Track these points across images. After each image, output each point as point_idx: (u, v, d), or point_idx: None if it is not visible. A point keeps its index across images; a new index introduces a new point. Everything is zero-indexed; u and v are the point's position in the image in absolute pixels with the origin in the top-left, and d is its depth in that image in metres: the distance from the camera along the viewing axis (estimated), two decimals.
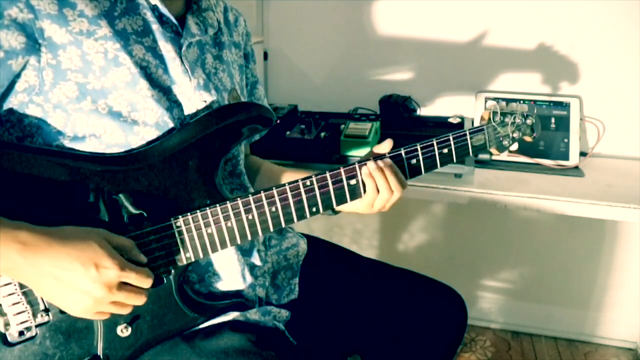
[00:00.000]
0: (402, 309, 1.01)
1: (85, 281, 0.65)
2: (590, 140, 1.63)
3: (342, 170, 0.84)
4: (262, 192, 0.79)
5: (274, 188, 0.80)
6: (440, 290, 1.06)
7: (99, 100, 0.73)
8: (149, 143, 0.76)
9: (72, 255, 0.65)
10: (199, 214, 0.77)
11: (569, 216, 1.36)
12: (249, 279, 0.89)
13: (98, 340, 0.75)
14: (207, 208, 0.77)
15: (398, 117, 1.63)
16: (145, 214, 0.75)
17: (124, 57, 0.74)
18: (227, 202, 0.78)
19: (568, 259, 1.88)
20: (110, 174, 0.73)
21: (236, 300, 0.87)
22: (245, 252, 0.90)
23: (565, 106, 1.58)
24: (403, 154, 0.87)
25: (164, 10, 0.79)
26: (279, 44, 1.85)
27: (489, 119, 0.94)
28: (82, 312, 0.69)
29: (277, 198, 0.80)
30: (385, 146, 0.88)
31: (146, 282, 0.71)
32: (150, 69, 0.77)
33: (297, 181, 0.81)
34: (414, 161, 0.88)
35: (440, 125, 1.60)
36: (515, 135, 0.96)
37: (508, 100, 1.61)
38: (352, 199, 0.85)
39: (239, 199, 0.78)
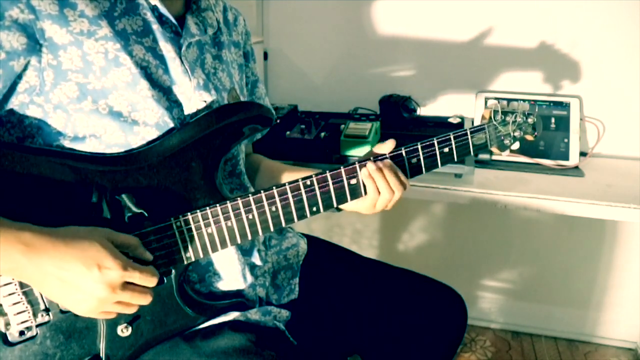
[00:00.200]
0: (402, 309, 1.01)
1: (88, 281, 0.65)
2: (590, 140, 1.63)
3: (342, 169, 0.84)
4: (262, 191, 0.79)
5: (274, 188, 0.80)
6: (440, 290, 1.06)
7: (100, 100, 0.73)
8: (149, 143, 0.76)
9: (75, 256, 0.65)
10: (199, 213, 0.77)
11: (569, 216, 1.36)
12: (249, 278, 0.89)
13: (98, 340, 0.75)
14: (207, 208, 0.77)
15: (398, 117, 1.63)
16: (145, 214, 0.75)
17: (125, 57, 0.74)
18: (227, 201, 0.78)
19: (568, 259, 1.88)
20: (111, 174, 0.73)
21: (236, 300, 0.87)
22: (245, 251, 0.90)
23: (565, 106, 1.58)
24: (404, 154, 0.87)
25: (163, 10, 0.79)
26: (279, 44, 1.85)
27: (490, 117, 0.94)
28: (87, 312, 0.69)
29: (277, 198, 0.80)
30: (387, 146, 0.88)
31: (151, 281, 0.70)
32: (150, 69, 0.77)
33: (297, 181, 0.81)
34: (414, 160, 0.88)
35: (440, 125, 1.60)
36: (517, 134, 0.96)
37: (508, 100, 1.61)
38: (352, 198, 0.85)
39: (239, 198, 0.78)
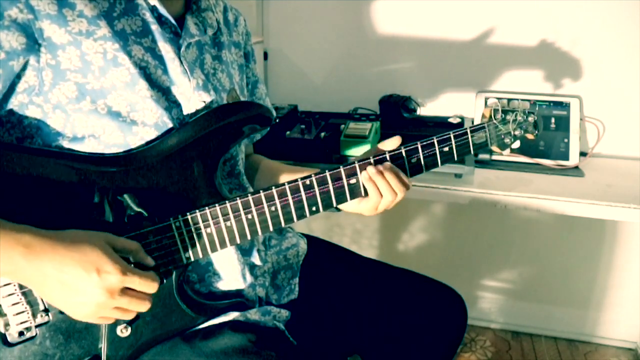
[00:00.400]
0: (402, 309, 1.01)
1: (87, 286, 0.65)
2: (590, 140, 1.63)
3: (342, 169, 0.84)
4: (261, 191, 0.79)
5: (273, 188, 0.80)
6: (440, 290, 1.06)
7: (98, 100, 0.73)
8: (147, 143, 0.76)
9: (75, 259, 0.65)
10: (198, 213, 0.77)
11: (569, 216, 1.36)
12: (249, 278, 0.89)
13: (98, 341, 0.75)
14: (207, 208, 0.77)
15: (398, 117, 1.63)
16: (144, 214, 0.75)
17: (123, 57, 0.74)
18: (227, 202, 0.78)
19: (568, 259, 1.88)
20: (110, 174, 0.73)
21: (236, 300, 0.87)
22: (245, 251, 0.90)
23: (565, 106, 1.58)
24: (403, 153, 0.87)
25: (162, 10, 0.79)
26: (279, 44, 1.85)
27: (491, 116, 0.94)
28: (85, 317, 0.69)
29: (276, 198, 0.80)
30: (393, 143, 0.87)
31: (151, 287, 0.70)
32: (149, 70, 0.77)
33: (296, 181, 0.81)
34: (414, 160, 0.87)
35: (440, 125, 1.60)
36: (517, 132, 0.95)
37: (509, 100, 1.61)
38: (352, 197, 0.85)
39: (238, 198, 0.78)
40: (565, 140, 1.54)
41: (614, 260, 1.84)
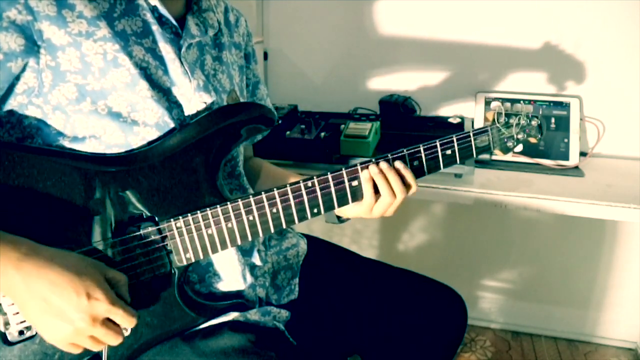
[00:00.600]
0: (402, 309, 1.01)
1: (73, 309, 0.64)
2: (590, 140, 1.63)
3: (344, 171, 0.83)
4: (263, 193, 0.79)
5: (275, 189, 0.80)
6: (440, 291, 1.06)
7: (99, 101, 0.73)
8: (149, 143, 0.76)
9: (68, 281, 0.64)
10: (199, 214, 0.77)
11: (569, 216, 1.36)
12: (249, 279, 0.89)
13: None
14: (208, 209, 0.77)
15: (398, 117, 1.62)
16: (145, 214, 0.75)
17: (124, 58, 0.74)
18: (228, 202, 0.78)
19: (568, 259, 1.88)
20: (111, 174, 0.73)
21: (236, 300, 0.87)
22: (245, 252, 0.90)
23: (565, 106, 1.58)
24: (406, 155, 0.87)
25: (163, 11, 0.79)
26: (279, 44, 1.85)
27: (493, 120, 0.94)
28: (57, 340, 0.67)
29: (278, 199, 0.80)
30: None
31: (130, 322, 0.69)
32: (150, 70, 0.77)
33: (298, 182, 0.81)
34: (416, 162, 0.87)
35: (441, 125, 1.60)
36: (520, 136, 0.96)
37: (508, 101, 1.61)
38: (353, 200, 0.85)
39: (239, 199, 0.78)
40: (565, 140, 1.54)
41: (614, 260, 1.84)
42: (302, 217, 0.82)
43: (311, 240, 1.11)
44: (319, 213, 0.83)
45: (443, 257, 2.02)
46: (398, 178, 0.84)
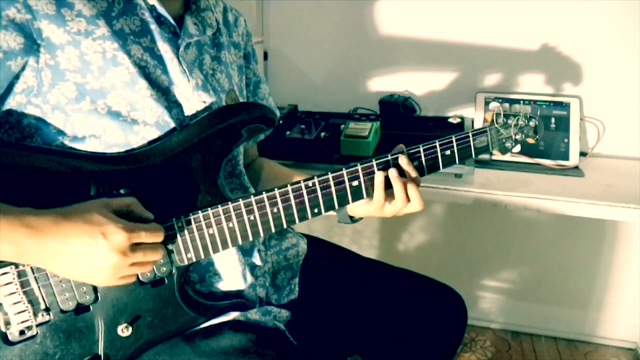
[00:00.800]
0: (402, 309, 1.01)
1: (97, 251, 0.66)
2: (590, 140, 1.63)
3: (344, 171, 0.84)
4: (264, 192, 0.79)
5: (275, 189, 0.80)
6: (440, 290, 1.06)
7: (98, 100, 0.73)
8: (149, 143, 0.76)
9: (78, 229, 0.65)
10: (200, 214, 0.77)
11: (569, 216, 1.36)
12: (250, 279, 0.89)
13: (99, 340, 0.75)
14: (209, 208, 0.77)
15: (398, 117, 1.63)
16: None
17: (123, 56, 0.74)
18: (229, 202, 0.78)
19: (568, 259, 1.88)
20: (111, 173, 0.73)
21: (237, 300, 0.87)
22: (245, 252, 0.90)
23: (565, 106, 1.58)
24: (406, 154, 0.87)
25: (161, 10, 0.79)
26: (279, 44, 1.85)
27: (492, 120, 0.94)
28: (105, 281, 0.69)
29: (279, 199, 0.80)
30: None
31: (158, 236, 0.71)
32: (148, 69, 0.77)
33: (299, 182, 0.81)
34: (416, 163, 0.87)
35: (440, 125, 1.60)
36: (518, 137, 0.96)
37: (508, 101, 1.61)
38: (354, 200, 0.85)
39: (240, 199, 0.78)
40: (565, 140, 1.54)
41: (614, 260, 1.84)
42: (303, 217, 0.82)
43: (311, 240, 1.11)
44: (319, 213, 0.83)
45: (443, 257, 2.02)
46: (415, 187, 0.85)
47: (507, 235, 1.92)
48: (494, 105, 1.60)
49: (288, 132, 1.45)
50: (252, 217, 0.79)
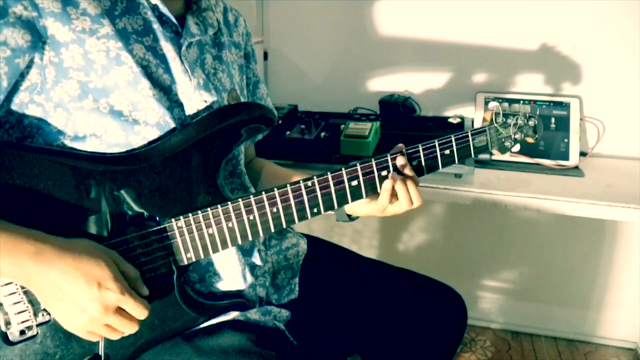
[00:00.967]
0: (402, 309, 1.01)
1: (85, 298, 0.66)
2: (590, 140, 1.63)
3: (343, 171, 0.84)
4: (263, 192, 0.79)
5: (275, 189, 0.80)
6: (440, 290, 1.06)
7: (101, 99, 0.73)
8: (150, 143, 0.76)
9: (79, 270, 0.66)
10: (200, 214, 0.77)
11: (569, 216, 1.36)
12: (250, 278, 0.89)
13: (99, 339, 0.75)
14: (209, 208, 0.77)
15: (398, 117, 1.63)
16: (146, 214, 0.75)
17: (126, 55, 0.74)
18: (229, 202, 0.78)
19: (568, 259, 1.88)
20: (112, 173, 0.73)
21: (237, 300, 0.87)
22: (245, 252, 0.90)
23: (565, 106, 1.58)
24: (405, 155, 0.87)
25: (164, 9, 0.79)
26: (279, 44, 1.85)
27: (491, 120, 0.94)
28: (75, 328, 0.70)
29: (278, 199, 0.80)
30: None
31: (142, 313, 0.71)
32: (150, 68, 0.77)
33: (298, 182, 0.81)
34: (415, 162, 0.88)
35: (440, 125, 1.60)
36: (517, 136, 0.96)
37: (508, 101, 1.61)
38: (353, 200, 0.85)
39: (240, 199, 0.78)
40: (565, 140, 1.54)
41: (614, 260, 1.84)
42: (302, 217, 0.82)
43: (311, 240, 1.11)
44: (319, 213, 0.83)
45: (443, 257, 2.02)
46: (415, 187, 0.85)
47: (507, 235, 1.92)
48: (493, 104, 1.60)
49: (288, 132, 1.45)
50: (251, 217, 0.79)
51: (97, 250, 0.69)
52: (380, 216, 0.90)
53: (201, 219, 0.77)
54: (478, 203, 1.33)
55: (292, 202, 0.81)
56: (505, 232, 1.92)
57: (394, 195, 0.86)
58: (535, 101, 1.59)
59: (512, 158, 1.53)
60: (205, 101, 0.82)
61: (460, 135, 0.90)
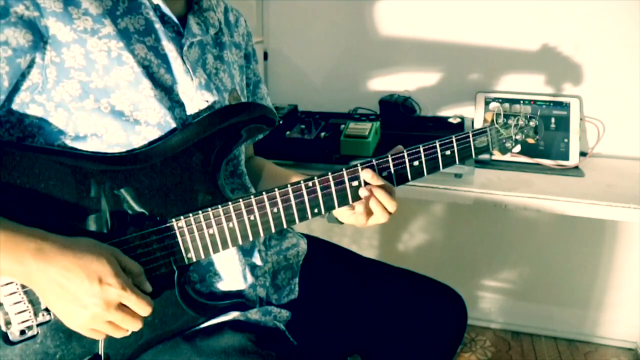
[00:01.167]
0: (402, 309, 1.01)
1: (87, 294, 0.66)
2: (590, 140, 1.63)
3: (344, 171, 0.84)
4: (264, 193, 0.79)
5: (276, 189, 0.80)
6: (440, 291, 1.06)
7: (102, 99, 0.73)
8: (150, 143, 0.77)
9: (80, 267, 0.66)
10: (200, 214, 0.77)
11: (569, 216, 1.36)
12: (250, 279, 0.89)
13: (99, 339, 0.75)
14: (209, 208, 0.77)
15: (398, 117, 1.63)
16: (146, 214, 0.75)
17: (127, 56, 0.74)
18: (229, 202, 0.78)
19: (568, 259, 1.88)
20: (112, 173, 0.73)
21: (237, 300, 0.87)
22: (246, 252, 0.90)
23: (565, 106, 1.58)
24: (405, 155, 0.87)
25: (165, 9, 0.79)
26: (279, 44, 1.85)
27: (492, 120, 0.94)
28: (78, 325, 0.69)
29: (279, 199, 0.80)
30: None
31: (145, 310, 0.70)
32: (152, 69, 0.77)
33: (299, 182, 0.81)
34: (416, 163, 0.87)
35: (440, 125, 1.60)
36: (518, 137, 0.96)
37: (508, 101, 1.61)
38: (354, 200, 0.86)
39: (240, 199, 0.78)
40: (565, 140, 1.54)
41: (614, 260, 1.84)
42: (303, 217, 0.82)
43: (311, 240, 1.11)
44: (319, 213, 0.83)
45: (443, 257, 2.02)
46: (385, 193, 0.85)
47: (507, 235, 1.92)
48: (494, 105, 1.60)
49: (288, 132, 1.45)
50: (252, 217, 0.79)
51: (99, 247, 0.69)
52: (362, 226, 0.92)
53: (202, 219, 0.77)
54: (478, 203, 1.33)
55: (292, 202, 0.81)
56: (506, 232, 1.92)
57: (369, 213, 0.88)
58: (535, 101, 1.59)
59: (512, 158, 1.53)
60: (207, 101, 0.82)
61: (461, 136, 0.90)
